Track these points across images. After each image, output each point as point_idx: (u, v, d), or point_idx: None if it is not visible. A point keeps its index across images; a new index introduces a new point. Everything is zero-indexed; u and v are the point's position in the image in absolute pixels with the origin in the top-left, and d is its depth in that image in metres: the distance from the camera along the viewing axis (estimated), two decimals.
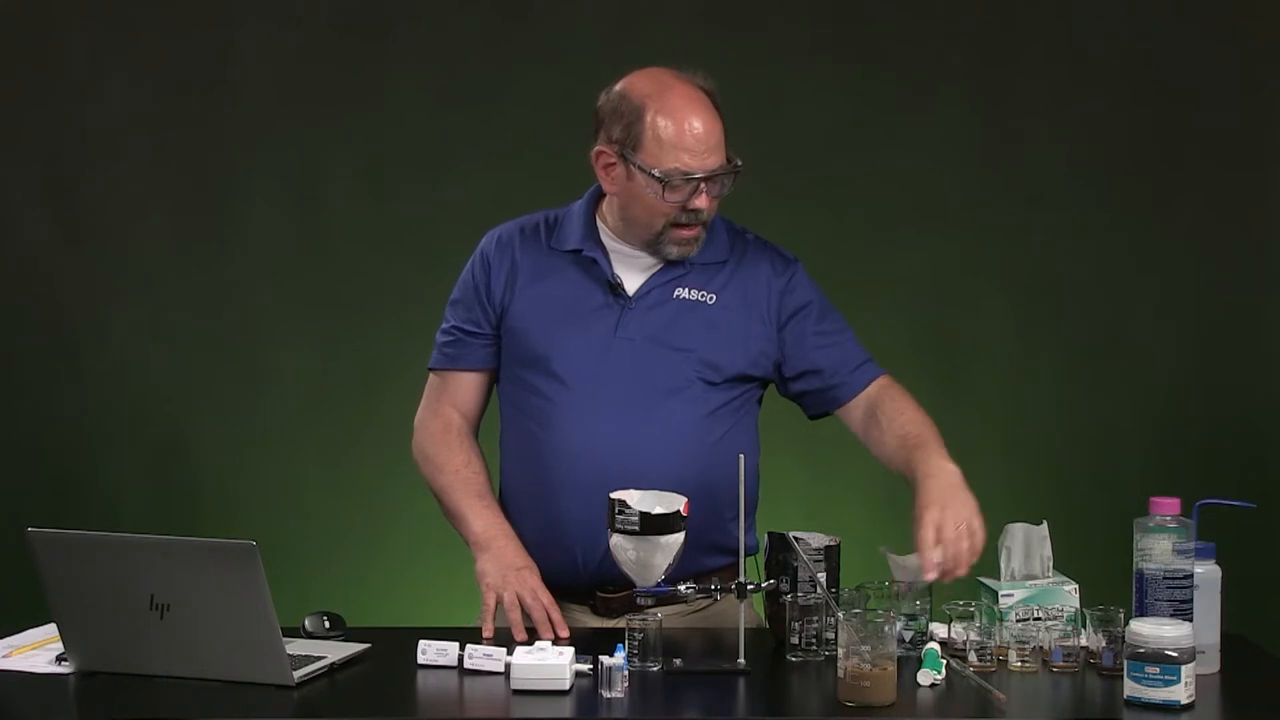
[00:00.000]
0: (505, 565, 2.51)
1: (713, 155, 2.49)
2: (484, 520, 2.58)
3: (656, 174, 2.48)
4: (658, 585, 2.31)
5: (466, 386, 2.69)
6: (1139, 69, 4.08)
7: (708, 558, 2.51)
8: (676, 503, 2.29)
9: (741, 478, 2.31)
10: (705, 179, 2.49)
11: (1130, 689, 2.11)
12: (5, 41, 4.17)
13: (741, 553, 2.43)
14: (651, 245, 2.57)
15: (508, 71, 4.11)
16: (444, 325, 2.70)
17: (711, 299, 2.59)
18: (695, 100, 2.51)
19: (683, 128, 2.48)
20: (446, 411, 2.69)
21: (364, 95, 4.15)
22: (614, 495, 2.29)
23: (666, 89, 2.51)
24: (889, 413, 2.58)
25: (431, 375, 2.73)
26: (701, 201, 2.50)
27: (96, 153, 4.18)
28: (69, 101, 4.17)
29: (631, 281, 2.59)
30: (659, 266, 2.60)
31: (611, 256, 2.60)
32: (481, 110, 4.11)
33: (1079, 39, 4.09)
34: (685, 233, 2.54)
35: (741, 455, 2.31)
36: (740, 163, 2.52)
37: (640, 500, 2.28)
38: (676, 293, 2.59)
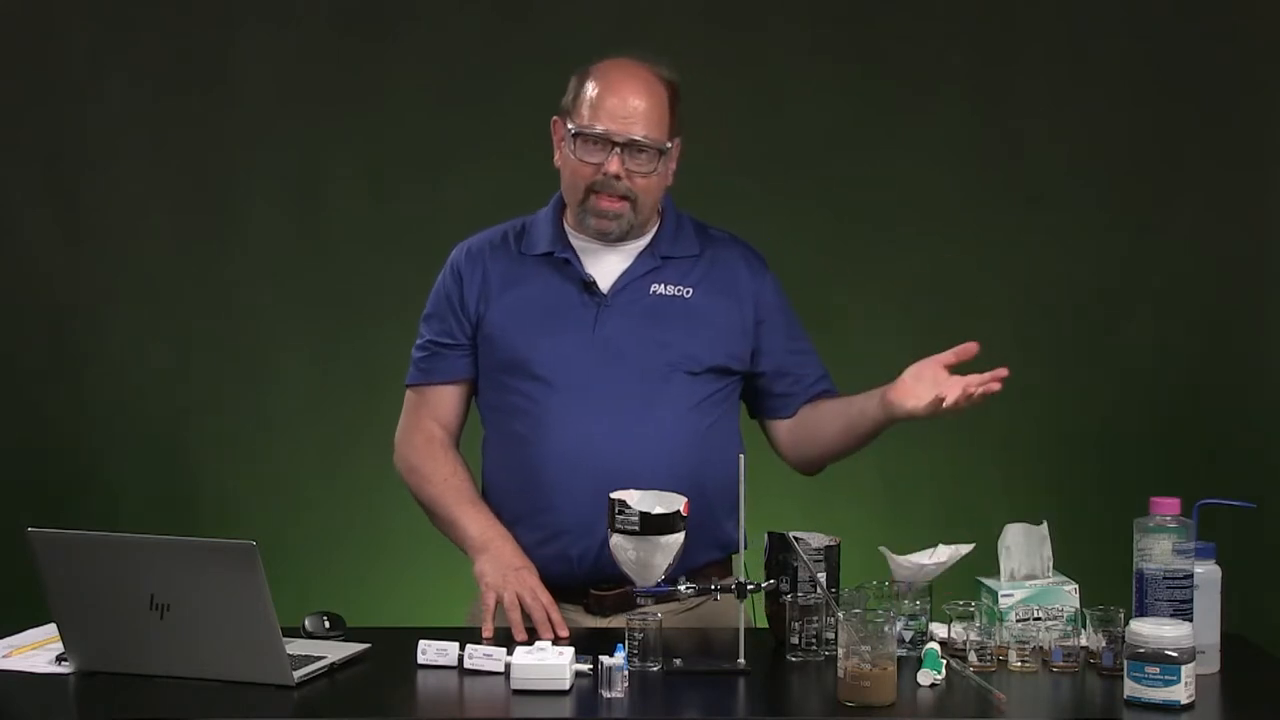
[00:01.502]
0: (504, 565, 2.51)
1: (633, 125, 2.52)
2: (479, 524, 2.58)
3: (570, 128, 2.54)
4: (657, 585, 2.32)
5: (446, 399, 2.69)
6: (1139, 69, 4.08)
7: (699, 551, 2.50)
8: (676, 503, 2.29)
9: (742, 477, 2.31)
10: (619, 145, 2.51)
11: (1130, 689, 2.11)
12: (5, 41, 4.17)
13: (741, 552, 2.43)
14: (579, 218, 2.59)
15: (508, 71, 4.10)
16: (419, 341, 2.71)
17: (688, 293, 2.62)
18: (636, 76, 2.56)
19: (609, 93, 2.53)
20: (428, 425, 2.69)
21: (364, 95, 4.15)
22: (614, 495, 2.29)
23: (616, 65, 2.58)
24: (817, 405, 2.67)
25: (409, 392, 2.73)
26: (614, 165, 2.52)
27: (96, 153, 4.18)
28: (69, 101, 4.17)
29: (604, 279, 2.62)
30: (630, 262, 2.62)
31: (582, 256, 2.62)
32: (481, 110, 4.11)
33: (1079, 39, 4.09)
34: (604, 202, 2.55)
35: (741, 456, 2.32)
36: (669, 145, 2.55)
37: (640, 500, 2.28)
38: (653, 288, 2.61)
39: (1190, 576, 2.25)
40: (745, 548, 2.50)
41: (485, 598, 2.48)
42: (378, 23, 4.15)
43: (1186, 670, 2.09)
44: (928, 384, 2.43)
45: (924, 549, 2.36)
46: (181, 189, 4.18)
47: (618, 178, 2.53)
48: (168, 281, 4.19)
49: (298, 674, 2.20)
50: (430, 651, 2.28)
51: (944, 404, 2.38)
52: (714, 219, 2.75)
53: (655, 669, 2.25)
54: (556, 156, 2.62)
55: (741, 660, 2.27)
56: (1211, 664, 2.26)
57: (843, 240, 4.04)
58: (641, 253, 2.63)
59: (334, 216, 4.18)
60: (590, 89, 2.55)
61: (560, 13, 4.10)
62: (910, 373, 2.47)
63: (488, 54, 4.12)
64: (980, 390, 2.37)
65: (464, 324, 2.65)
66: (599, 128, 2.52)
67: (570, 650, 2.21)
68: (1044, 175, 4.11)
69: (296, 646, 2.32)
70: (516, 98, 4.13)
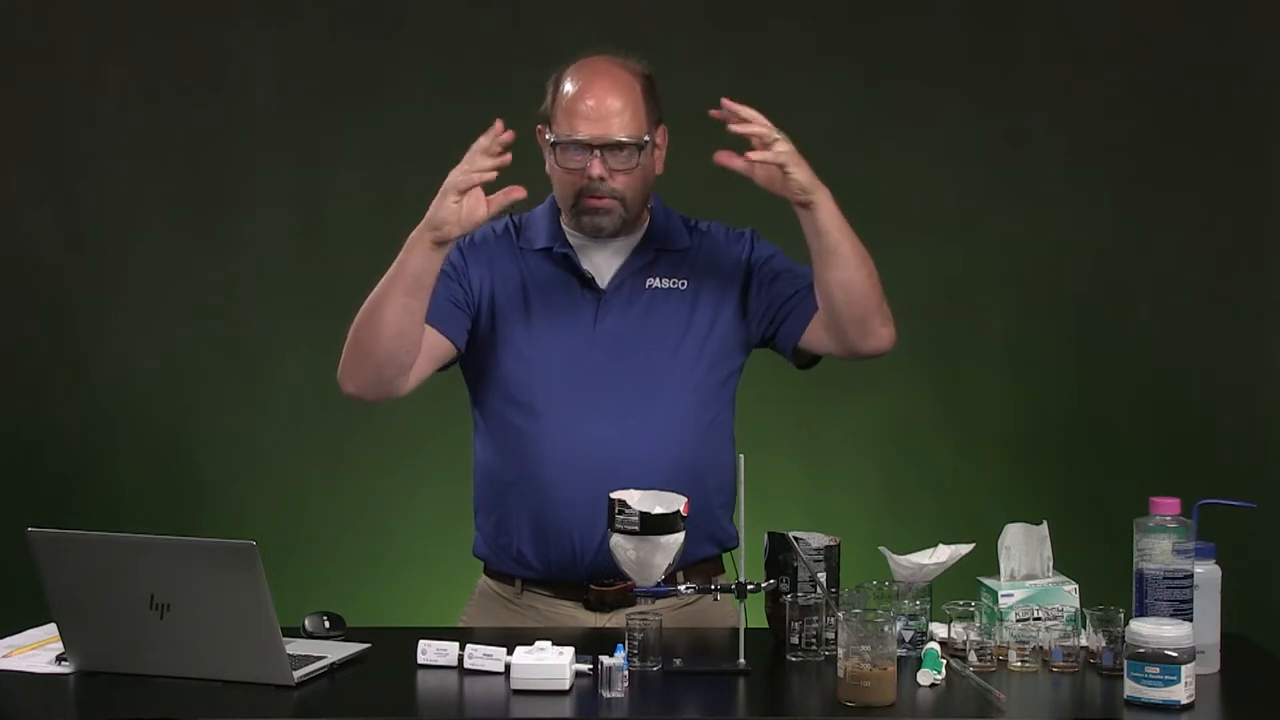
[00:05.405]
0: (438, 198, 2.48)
1: (610, 127, 2.53)
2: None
3: (550, 138, 2.55)
4: (657, 585, 2.32)
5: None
6: (1139, 68, 4.08)
7: (695, 546, 2.49)
8: (676, 503, 2.29)
9: (741, 477, 2.31)
10: (596, 147, 2.52)
11: (1130, 689, 2.11)
12: (5, 41, 4.17)
13: (742, 550, 2.42)
14: (574, 219, 2.61)
15: (508, 71, 4.10)
16: None
17: (684, 284, 2.63)
18: (604, 74, 2.56)
19: (582, 97, 2.54)
20: None
21: (364, 95, 4.15)
22: (614, 495, 2.29)
23: (585, 65, 2.58)
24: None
25: None
26: (596, 169, 2.53)
27: (96, 153, 4.17)
28: (69, 101, 4.17)
29: (602, 275, 2.63)
30: (626, 257, 2.63)
31: (579, 252, 2.63)
32: (481, 110, 4.09)
33: (1079, 38, 4.09)
34: (593, 201, 2.56)
35: (741, 456, 2.32)
36: (647, 139, 2.56)
37: (640, 500, 2.28)
38: (649, 283, 2.62)
39: (1190, 576, 2.25)
40: (740, 545, 2.52)
41: (452, 183, 2.47)
42: (378, 22, 4.14)
43: (1186, 670, 2.09)
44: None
45: (924, 549, 2.36)
46: (181, 189, 4.18)
47: (602, 179, 2.54)
48: (168, 281, 4.19)
49: (298, 674, 2.20)
50: (430, 651, 2.28)
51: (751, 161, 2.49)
52: (714, 218, 2.75)
53: (655, 669, 2.25)
54: (547, 163, 2.62)
55: (742, 660, 2.27)
56: (1211, 664, 2.26)
57: None
58: (636, 248, 2.64)
59: (334, 216, 4.18)
60: (563, 95, 2.56)
61: (560, 13, 4.10)
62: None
63: (488, 54, 4.12)
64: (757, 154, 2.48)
65: (466, 291, 2.62)
66: (576, 135, 2.53)
67: (570, 650, 2.21)
68: (1044, 175, 4.11)
69: (296, 646, 2.32)
70: (516, 98, 4.12)
